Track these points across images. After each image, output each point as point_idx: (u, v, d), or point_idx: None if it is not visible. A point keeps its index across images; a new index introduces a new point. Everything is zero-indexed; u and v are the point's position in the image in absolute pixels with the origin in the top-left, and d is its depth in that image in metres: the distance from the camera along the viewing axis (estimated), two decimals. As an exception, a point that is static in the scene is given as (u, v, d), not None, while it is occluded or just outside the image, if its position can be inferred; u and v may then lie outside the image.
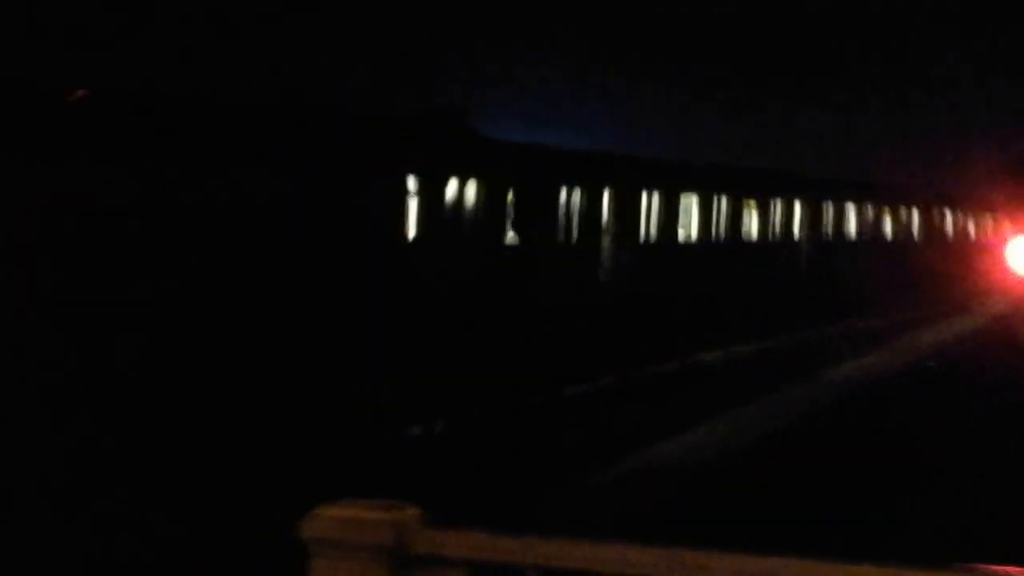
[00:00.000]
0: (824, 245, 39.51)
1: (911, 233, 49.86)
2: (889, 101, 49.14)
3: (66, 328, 14.76)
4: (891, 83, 48.36)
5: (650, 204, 29.41)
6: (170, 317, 16.05)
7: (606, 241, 26.99)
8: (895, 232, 48.07)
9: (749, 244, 34.85)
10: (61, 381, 14.58)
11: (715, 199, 32.35)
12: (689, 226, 31.92)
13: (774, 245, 36.49)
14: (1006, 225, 59.07)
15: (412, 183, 20.98)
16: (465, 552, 5.25)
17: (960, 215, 57.64)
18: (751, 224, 35.60)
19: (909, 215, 49.92)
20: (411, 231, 21.18)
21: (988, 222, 60.79)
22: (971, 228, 59.61)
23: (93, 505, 12.88)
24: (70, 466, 13.65)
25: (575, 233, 26.18)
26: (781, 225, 37.27)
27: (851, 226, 43.61)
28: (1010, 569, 4.79)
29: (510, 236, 23.75)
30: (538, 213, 24.72)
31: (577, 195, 25.91)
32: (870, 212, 46.10)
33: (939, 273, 48.73)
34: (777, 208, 36.93)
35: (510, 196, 23.58)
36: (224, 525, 12.85)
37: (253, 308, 17.15)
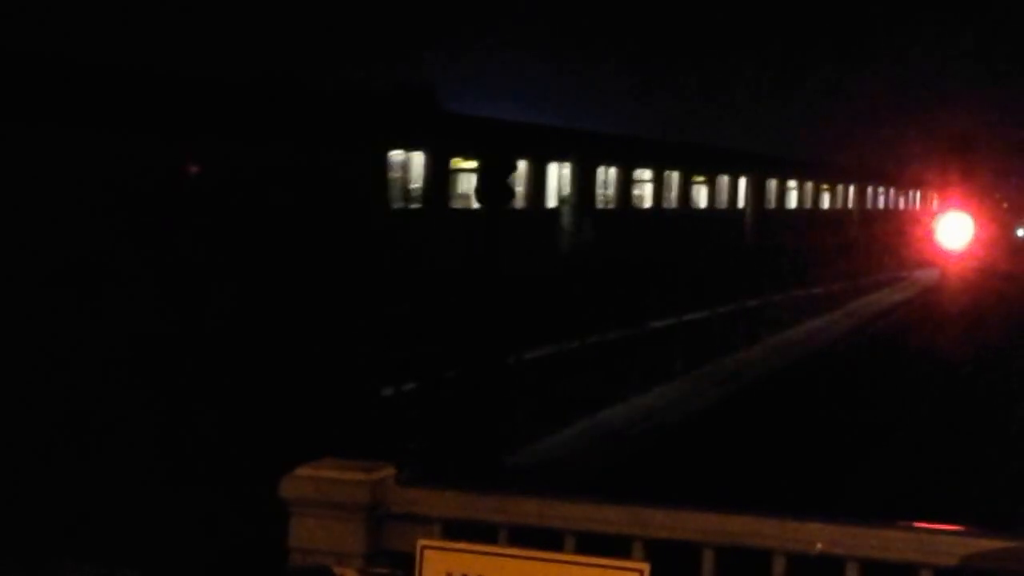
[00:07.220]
0: (767, 219, 40.02)
1: (849, 208, 50.67)
2: (826, 82, 49.75)
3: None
4: (830, 64, 48.89)
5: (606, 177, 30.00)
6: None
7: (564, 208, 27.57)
8: (834, 207, 48.80)
9: (701, 216, 35.41)
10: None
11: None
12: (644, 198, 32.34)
13: (726, 217, 37.16)
14: (936, 202, 60.18)
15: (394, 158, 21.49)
16: (439, 511, 5.53)
17: (894, 192, 58.66)
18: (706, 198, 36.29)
19: (847, 192, 50.70)
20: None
21: (919, 199, 62.08)
22: (904, 204, 60.77)
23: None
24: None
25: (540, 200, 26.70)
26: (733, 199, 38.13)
27: (793, 201, 44.19)
28: (945, 526, 5.16)
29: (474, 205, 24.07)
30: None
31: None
32: (814, 188, 46.81)
33: (874, 246, 49.95)
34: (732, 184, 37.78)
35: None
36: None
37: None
